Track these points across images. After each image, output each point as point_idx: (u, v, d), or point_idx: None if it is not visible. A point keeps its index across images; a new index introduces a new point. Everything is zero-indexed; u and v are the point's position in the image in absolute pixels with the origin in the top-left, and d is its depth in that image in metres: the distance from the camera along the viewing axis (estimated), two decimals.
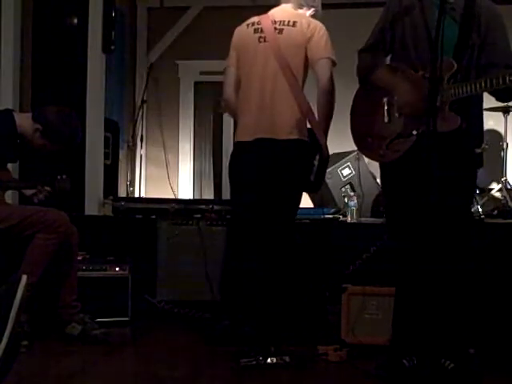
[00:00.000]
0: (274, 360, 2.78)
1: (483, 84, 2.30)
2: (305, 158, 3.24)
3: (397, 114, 2.56)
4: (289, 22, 3.31)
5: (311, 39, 3.26)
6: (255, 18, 3.41)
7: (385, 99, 2.60)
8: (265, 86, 3.27)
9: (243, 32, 3.42)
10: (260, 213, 3.28)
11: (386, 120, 2.60)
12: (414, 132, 2.46)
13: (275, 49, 3.27)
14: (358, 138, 2.75)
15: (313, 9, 3.43)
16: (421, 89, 2.44)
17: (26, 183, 3.46)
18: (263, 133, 3.24)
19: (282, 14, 3.37)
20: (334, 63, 3.29)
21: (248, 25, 3.42)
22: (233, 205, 3.52)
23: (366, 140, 2.68)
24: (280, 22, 3.33)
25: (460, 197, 2.55)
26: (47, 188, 3.27)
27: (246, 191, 3.33)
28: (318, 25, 3.31)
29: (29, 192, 3.32)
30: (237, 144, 3.40)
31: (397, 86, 2.56)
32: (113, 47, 4.75)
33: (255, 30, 3.36)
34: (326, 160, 3.29)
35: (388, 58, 2.76)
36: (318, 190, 3.40)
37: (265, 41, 3.32)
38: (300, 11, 3.40)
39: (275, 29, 3.31)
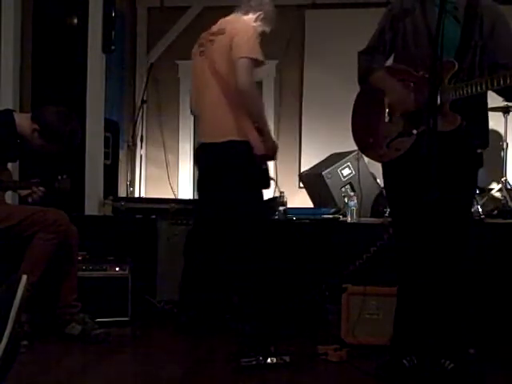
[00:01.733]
0: (274, 360, 2.78)
1: (484, 84, 2.30)
2: (244, 157, 3.31)
3: (397, 114, 2.57)
4: (219, 30, 3.41)
5: (232, 42, 3.31)
6: (204, 33, 3.54)
7: (386, 99, 2.61)
8: (203, 95, 3.43)
9: (194, 48, 3.59)
10: (218, 216, 3.42)
11: (386, 120, 2.61)
12: (415, 131, 2.47)
13: (208, 59, 3.41)
14: (358, 138, 2.75)
15: (259, 12, 3.46)
16: (420, 90, 2.45)
17: (21, 183, 3.45)
18: (204, 138, 3.44)
19: (219, 23, 3.47)
20: (257, 62, 3.29)
21: (198, 40, 3.57)
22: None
23: (366, 140, 2.69)
24: (214, 32, 3.44)
25: (460, 197, 2.55)
26: (41, 188, 3.26)
27: (201, 196, 3.60)
28: (242, 26, 3.36)
29: (24, 192, 3.32)
30: None
31: (394, 88, 2.57)
32: (113, 47, 4.74)
33: (199, 45, 3.52)
34: (260, 156, 3.33)
35: (390, 60, 2.76)
36: (267, 186, 3.48)
37: (204, 53, 3.45)
38: (245, 18, 3.45)
39: (209, 40, 3.43)
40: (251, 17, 3.45)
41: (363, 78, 2.74)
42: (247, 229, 3.35)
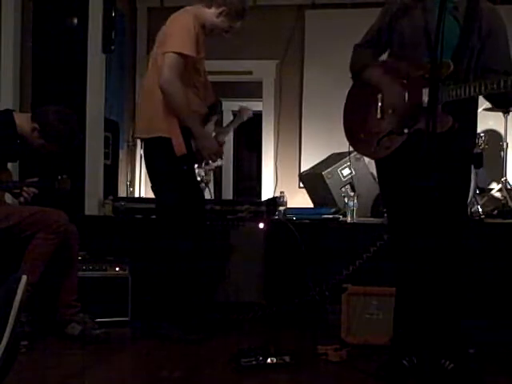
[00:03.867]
0: (274, 360, 2.77)
1: (477, 87, 2.29)
2: (164, 155, 3.27)
3: (390, 111, 2.56)
4: (165, 23, 3.35)
5: (164, 35, 3.29)
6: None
7: (379, 95, 2.60)
8: (141, 88, 3.41)
9: None
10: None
11: (378, 116, 2.60)
12: (406, 130, 2.47)
13: (153, 52, 3.36)
14: (350, 133, 2.75)
15: (222, 8, 3.32)
16: (414, 89, 2.44)
17: (21, 183, 3.44)
18: (138, 133, 3.46)
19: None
20: (182, 56, 3.20)
21: None
22: None
23: (358, 136, 2.69)
24: (163, 26, 3.37)
25: (455, 197, 2.55)
26: (32, 189, 3.25)
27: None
28: (175, 19, 3.31)
29: (16, 191, 3.31)
30: None
31: (388, 87, 2.56)
32: (113, 47, 4.74)
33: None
34: (182, 157, 3.26)
35: (385, 56, 2.76)
36: (192, 188, 3.42)
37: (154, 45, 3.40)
38: (208, 10, 3.34)
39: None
40: (213, 11, 3.33)
41: (356, 73, 2.73)
42: (165, 228, 3.35)
